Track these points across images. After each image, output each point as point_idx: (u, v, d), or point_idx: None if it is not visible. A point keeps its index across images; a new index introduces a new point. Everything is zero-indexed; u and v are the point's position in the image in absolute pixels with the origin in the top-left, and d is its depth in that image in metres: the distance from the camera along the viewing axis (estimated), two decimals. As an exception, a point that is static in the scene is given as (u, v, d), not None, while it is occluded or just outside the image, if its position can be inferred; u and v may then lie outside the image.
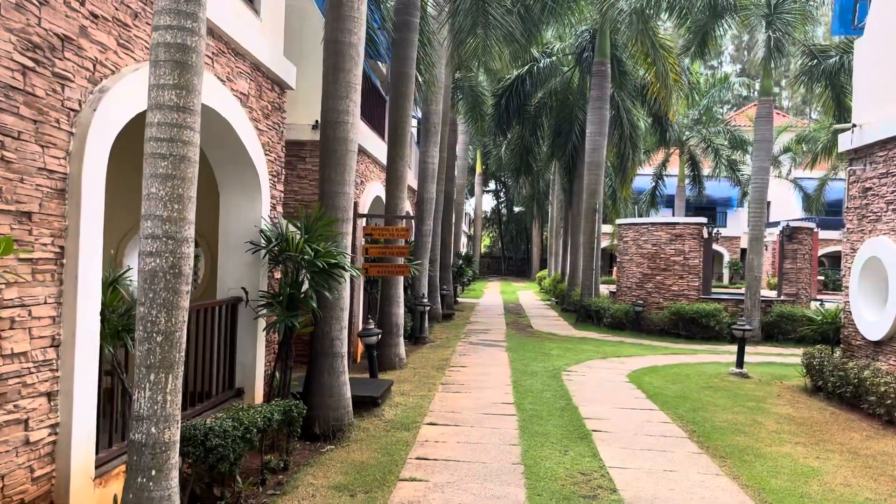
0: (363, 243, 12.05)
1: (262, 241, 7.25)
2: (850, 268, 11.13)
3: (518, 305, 29.15)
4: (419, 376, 11.52)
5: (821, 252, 46.50)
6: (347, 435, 7.71)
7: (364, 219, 13.00)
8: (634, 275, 19.36)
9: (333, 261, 7.17)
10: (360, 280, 12.94)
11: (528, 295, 36.97)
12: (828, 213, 43.43)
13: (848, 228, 11.27)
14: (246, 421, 5.53)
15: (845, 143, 11.22)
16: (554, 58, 25.30)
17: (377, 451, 7.14)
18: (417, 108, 18.09)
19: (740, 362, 12.34)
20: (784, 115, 50.77)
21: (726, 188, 44.09)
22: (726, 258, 47.76)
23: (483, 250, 70.99)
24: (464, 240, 56.19)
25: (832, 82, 17.44)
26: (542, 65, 24.83)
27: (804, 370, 11.51)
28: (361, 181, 13.13)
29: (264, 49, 7.23)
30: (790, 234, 18.40)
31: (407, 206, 17.34)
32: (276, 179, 8.03)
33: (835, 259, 44.73)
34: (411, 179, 18.35)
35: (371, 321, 10.75)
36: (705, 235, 18.22)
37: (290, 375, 7.33)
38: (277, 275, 7.98)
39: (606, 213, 35.47)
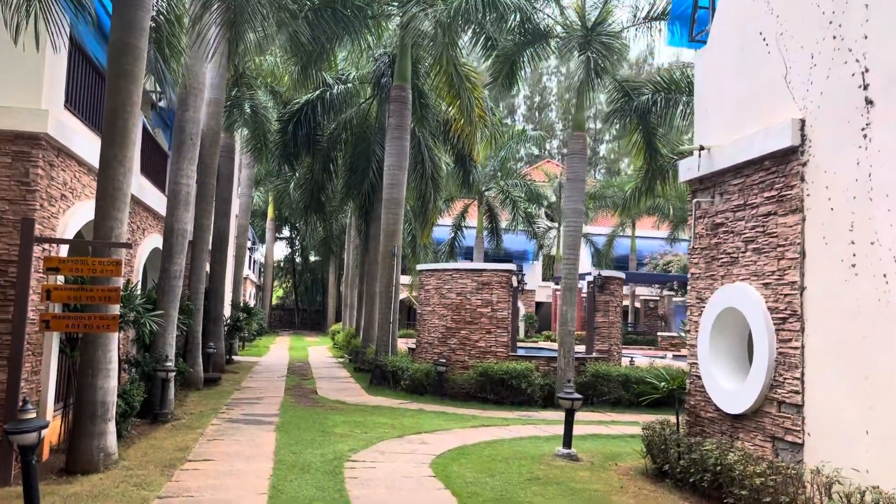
0: (46, 282, 8.09)
1: None
2: (696, 322, 9.13)
3: (306, 364, 25.44)
4: (127, 485, 7.65)
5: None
6: None
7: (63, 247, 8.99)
8: (437, 328, 16.69)
9: None
10: (50, 338, 8.83)
11: (320, 351, 33.30)
12: (616, 267, 44.62)
13: (693, 274, 9.32)
14: None
15: (688, 170, 9.33)
16: (349, 85, 22.58)
17: None
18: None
19: (568, 441, 9.87)
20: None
21: (523, 241, 44.11)
22: (522, 311, 47.48)
23: (275, 301, 66.06)
24: (252, 290, 51.24)
25: (643, 121, 16.31)
26: (335, 91, 21.98)
27: (644, 450, 9.26)
28: (64, 196, 9.16)
29: None
30: (602, 284, 16.83)
31: (137, 236, 13.43)
32: None
33: (623, 313, 45.95)
34: (158, 205, 14.41)
35: (27, 409, 6.74)
36: (514, 284, 16.09)
37: None
38: None
39: (406, 261, 33.17)
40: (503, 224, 39.89)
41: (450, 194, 30.67)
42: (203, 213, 17.42)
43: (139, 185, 13.45)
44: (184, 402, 14.18)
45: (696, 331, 9.11)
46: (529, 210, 40.00)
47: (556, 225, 44.43)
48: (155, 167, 15.25)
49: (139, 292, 12.48)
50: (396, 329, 18.49)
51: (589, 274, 17.08)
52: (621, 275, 17.76)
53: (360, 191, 22.25)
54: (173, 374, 12.63)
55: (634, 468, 9.42)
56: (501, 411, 14.50)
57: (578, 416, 14.59)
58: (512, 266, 16.21)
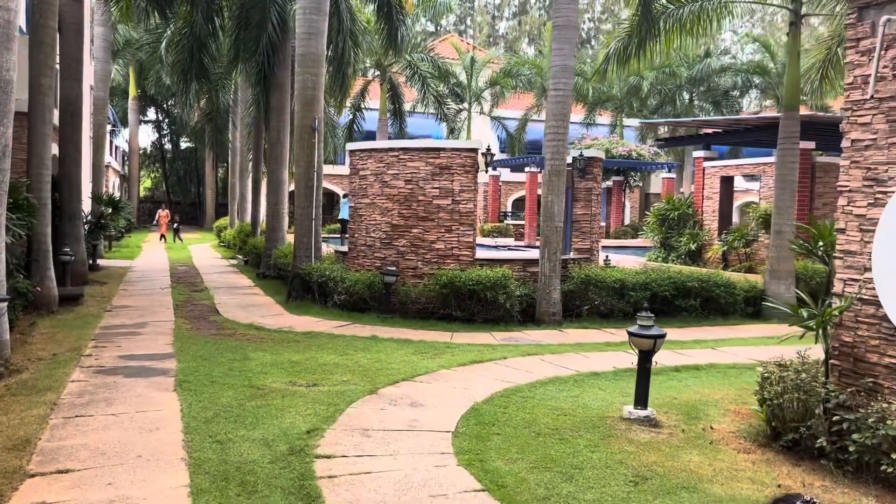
0: None
1: None
2: (865, 215, 5.86)
3: (192, 269, 20.95)
4: None
5: (513, 197, 44.99)
6: None
7: None
8: (379, 226, 12.80)
9: None
10: None
11: (204, 251, 28.57)
12: (528, 153, 41.36)
13: (856, 141, 5.96)
14: None
15: (870, -29, 5.77)
16: None
17: None
18: None
19: (644, 398, 6.57)
20: (482, 51, 48.00)
21: (428, 124, 39.88)
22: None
23: (143, 193, 58.85)
24: (115, 180, 44.56)
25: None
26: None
27: (768, 414, 6.12)
28: None
29: None
30: (584, 167, 13.40)
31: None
32: None
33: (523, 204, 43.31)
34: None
35: None
36: (483, 168, 12.37)
37: None
38: None
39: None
40: (407, 106, 35.66)
41: (371, 54, 25.82)
42: (41, 69, 12.35)
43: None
44: (29, 339, 9.84)
45: (860, 230, 5.86)
46: (439, 89, 35.81)
47: (465, 106, 40.47)
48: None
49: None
50: (320, 227, 14.42)
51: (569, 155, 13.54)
52: (601, 155, 14.38)
53: (257, 50, 17.30)
54: (5, 302, 8.25)
55: (743, 434, 6.33)
56: (476, 333, 11.09)
57: (572, 332, 11.51)
58: (478, 144, 12.41)
